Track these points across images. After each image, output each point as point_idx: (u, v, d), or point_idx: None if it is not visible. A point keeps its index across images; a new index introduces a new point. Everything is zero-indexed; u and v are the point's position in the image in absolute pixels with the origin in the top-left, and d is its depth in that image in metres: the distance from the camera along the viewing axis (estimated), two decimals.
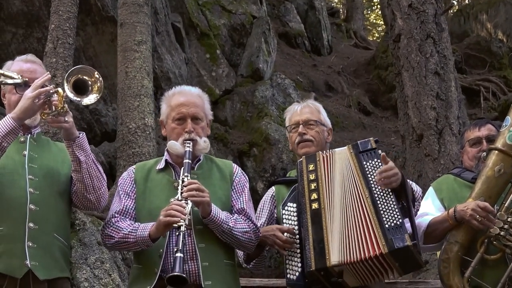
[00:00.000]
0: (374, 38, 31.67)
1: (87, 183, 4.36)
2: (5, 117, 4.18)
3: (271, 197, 4.90)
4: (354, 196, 4.46)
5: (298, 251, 4.53)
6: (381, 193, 4.43)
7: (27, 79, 4.37)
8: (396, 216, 4.36)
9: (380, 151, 4.58)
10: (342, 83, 15.55)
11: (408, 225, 4.41)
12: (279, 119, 12.10)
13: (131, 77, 9.56)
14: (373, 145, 4.58)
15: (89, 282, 7.35)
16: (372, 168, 4.51)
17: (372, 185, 4.46)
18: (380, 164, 4.49)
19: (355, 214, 4.42)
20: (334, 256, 4.36)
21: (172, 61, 12.14)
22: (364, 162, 4.53)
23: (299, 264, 4.51)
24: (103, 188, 4.45)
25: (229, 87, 12.91)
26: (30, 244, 4.20)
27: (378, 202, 4.41)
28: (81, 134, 4.34)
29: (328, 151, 4.71)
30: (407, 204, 4.47)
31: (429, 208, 4.84)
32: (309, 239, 4.45)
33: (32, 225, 4.22)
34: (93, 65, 11.40)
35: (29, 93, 4.18)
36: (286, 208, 4.65)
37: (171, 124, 4.59)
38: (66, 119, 4.24)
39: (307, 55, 16.54)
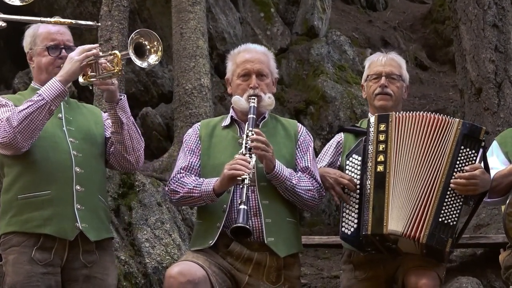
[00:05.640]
0: None
1: (127, 144, 4.39)
2: (52, 80, 4.20)
3: (337, 142, 4.84)
4: (430, 171, 4.40)
5: (357, 206, 4.52)
6: None
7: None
8: (454, 216, 4.32)
9: (483, 144, 4.47)
10: (399, 39, 15.34)
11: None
12: (335, 77, 12.01)
13: (186, 38, 9.58)
14: (481, 137, 4.44)
15: (150, 243, 7.45)
16: (465, 157, 4.40)
17: (454, 173, 4.38)
18: (474, 157, 4.40)
19: (422, 189, 4.37)
20: (392, 224, 4.35)
21: (226, 21, 12.11)
22: (462, 147, 4.41)
23: (356, 221, 4.50)
24: (142, 149, 4.50)
25: (284, 46, 12.84)
26: (79, 207, 4.26)
27: (448, 193, 4.35)
28: (123, 96, 4.37)
29: (403, 112, 4.62)
30: (474, 207, 4.49)
31: (494, 163, 4.75)
32: (369, 202, 4.44)
33: (79, 188, 4.28)
34: (148, 27, 11.41)
35: (76, 56, 4.20)
36: (350, 159, 4.62)
37: (236, 80, 4.62)
38: (113, 81, 4.27)
39: (362, 11, 16.34)
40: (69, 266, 4.28)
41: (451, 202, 4.35)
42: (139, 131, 4.51)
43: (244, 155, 4.29)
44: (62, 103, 4.39)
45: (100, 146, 4.48)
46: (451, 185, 4.37)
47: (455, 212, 4.35)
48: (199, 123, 4.78)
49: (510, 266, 4.66)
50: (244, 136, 4.39)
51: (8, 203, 4.29)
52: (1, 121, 4.16)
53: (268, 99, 4.58)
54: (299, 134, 4.65)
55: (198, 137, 4.64)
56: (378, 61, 4.90)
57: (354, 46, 13.24)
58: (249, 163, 4.25)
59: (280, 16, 13.17)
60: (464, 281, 7.49)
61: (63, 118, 4.41)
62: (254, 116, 4.45)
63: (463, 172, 4.38)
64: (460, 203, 4.37)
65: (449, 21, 11.39)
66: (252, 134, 4.35)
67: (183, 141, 4.70)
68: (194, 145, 4.61)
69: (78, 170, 4.30)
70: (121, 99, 4.35)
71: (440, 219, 4.32)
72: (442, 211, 4.33)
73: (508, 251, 4.73)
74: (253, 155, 4.29)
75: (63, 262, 4.27)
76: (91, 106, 4.83)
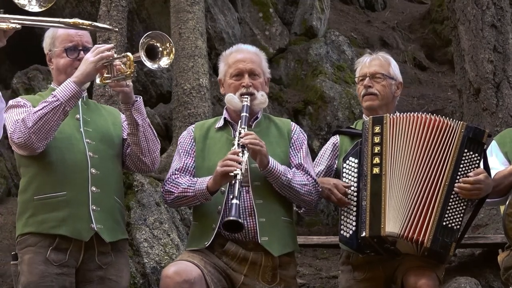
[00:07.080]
0: None
1: (143, 146, 4.41)
2: (67, 82, 4.24)
3: (334, 145, 4.83)
4: (432, 173, 4.38)
5: (355, 209, 4.51)
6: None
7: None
8: (458, 219, 4.32)
9: (485, 147, 4.47)
10: (397, 39, 15.34)
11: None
12: (333, 77, 12.01)
13: (184, 38, 9.57)
14: (484, 140, 4.43)
15: (148, 243, 7.46)
16: (469, 161, 4.39)
17: (458, 177, 4.37)
18: (478, 160, 4.40)
19: (422, 191, 4.36)
20: (390, 226, 4.34)
21: (225, 21, 12.11)
22: (466, 150, 4.39)
23: (354, 223, 4.50)
24: (158, 151, 4.53)
25: (282, 46, 12.84)
26: (94, 208, 4.29)
27: (452, 196, 4.34)
28: (138, 98, 4.39)
29: (397, 114, 4.61)
30: (474, 209, 4.50)
31: (493, 163, 4.75)
32: (366, 204, 4.43)
33: (94, 189, 4.31)
34: (147, 28, 11.44)
35: (91, 57, 4.23)
36: (347, 162, 4.61)
37: (229, 80, 4.63)
38: (128, 83, 4.29)
39: (361, 11, 16.34)
40: (84, 267, 4.32)
41: (455, 206, 4.34)
42: (155, 133, 4.54)
43: (237, 152, 4.30)
44: (80, 104, 4.46)
45: (117, 147, 4.52)
46: (454, 189, 4.36)
47: (458, 216, 4.34)
48: (193, 125, 4.80)
49: (509, 267, 4.66)
50: (237, 133, 4.41)
51: (25, 203, 4.35)
52: (17, 122, 4.21)
53: (261, 97, 4.59)
54: (292, 132, 4.66)
55: (192, 139, 4.65)
56: (363, 63, 4.93)
57: (352, 46, 13.24)
58: (241, 157, 4.26)
59: (279, 16, 13.17)
60: (463, 281, 7.48)
61: (81, 119, 4.45)
62: (247, 115, 4.47)
63: (466, 176, 4.37)
64: (464, 207, 4.36)
65: (448, 21, 11.39)
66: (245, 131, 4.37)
67: (178, 143, 4.72)
68: (189, 147, 4.63)
69: (93, 171, 4.34)
70: (136, 100, 4.38)
71: (444, 223, 4.31)
72: (446, 215, 4.32)
73: (507, 252, 4.73)
74: (245, 152, 4.30)
75: (78, 263, 4.31)
76: (110, 107, 4.89)
